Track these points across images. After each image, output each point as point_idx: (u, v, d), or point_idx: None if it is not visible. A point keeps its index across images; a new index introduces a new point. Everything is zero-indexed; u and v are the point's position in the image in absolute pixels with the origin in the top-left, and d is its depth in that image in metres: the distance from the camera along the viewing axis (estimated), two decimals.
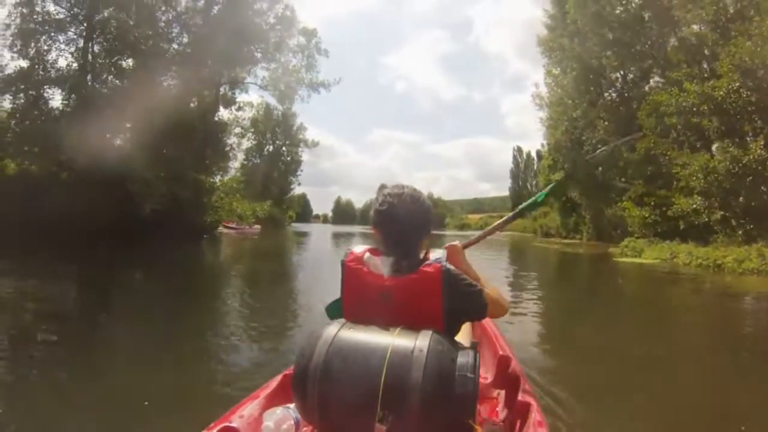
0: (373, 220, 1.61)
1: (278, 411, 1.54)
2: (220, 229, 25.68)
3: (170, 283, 8.68)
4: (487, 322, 2.72)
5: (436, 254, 1.53)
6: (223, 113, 25.92)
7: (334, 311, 1.80)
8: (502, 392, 2.04)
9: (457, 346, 1.41)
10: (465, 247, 1.98)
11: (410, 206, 1.57)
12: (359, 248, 1.60)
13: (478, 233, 2.45)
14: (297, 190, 64.36)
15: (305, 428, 1.52)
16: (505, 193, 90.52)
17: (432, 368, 1.26)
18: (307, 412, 1.37)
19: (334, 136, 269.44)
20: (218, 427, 1.45)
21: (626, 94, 27.13)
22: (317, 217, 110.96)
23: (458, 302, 1.47)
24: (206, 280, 10.07)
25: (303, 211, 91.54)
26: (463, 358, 1.34)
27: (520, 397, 1.75)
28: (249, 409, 1.63)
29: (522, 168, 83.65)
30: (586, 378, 3.73)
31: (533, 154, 78.86)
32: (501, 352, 2.28)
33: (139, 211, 16.71)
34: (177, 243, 16.42)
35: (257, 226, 35.37)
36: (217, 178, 22.89)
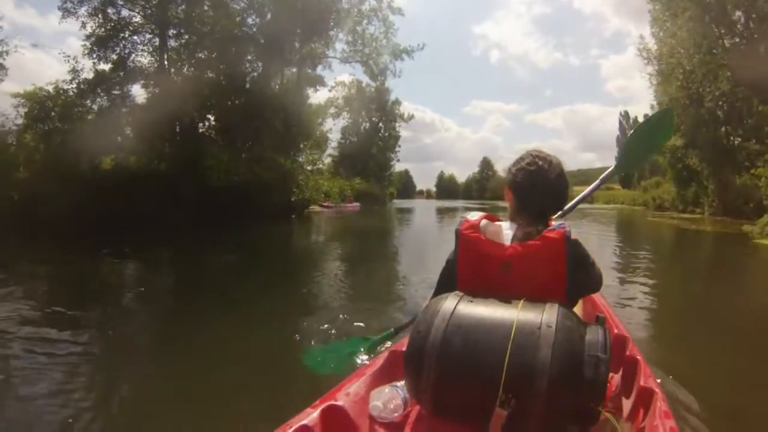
0: (512, 182, 1.54)
1: (386, 390, 1.49)
2: (313, 207, 25.22)
3: (254, 264, 8.87)
4: (598, 297, 2.59)
5: (559, 221, 1.46)
6: (310, 93, 25.68)
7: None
8: (618, 376, 1.86)
9: (584, 322, 1.31)
10: (562, 215, 1.86)
11: (557, 172, 1.51)
12: (474, 215, 1.53)
13: (574, 200, 2.28)
14: (399, 167, 63.94)
15: (412, 407, 1.46)
16: (612, 163, 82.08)
17: (561, 347, 1.17)
18: (419, 392, 1.29)
19: (433, 112, 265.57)
20: (323, 405, 1.40)
21: (754, 36, 22.23)
22: (421, 192, 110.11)
23: (579, 272, 1.40)
24: (291, 260, 9.88)
25: (406, 188, 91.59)
26: (593, 336, 1.25)
27: (642, 382, 1.60)
28: (355, 387, 1.57)
29: (629, 135, 74.70)
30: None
31: (641, 119, 70.61)
32: (616, 331, 2.11)
33: (222, 195, 16.81)
34: (262, 224, 16.16)
35: (356, 204, 34.99)
36: (302, 158, 22.62)
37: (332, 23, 22.95)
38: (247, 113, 19.01)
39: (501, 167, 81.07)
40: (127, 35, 19.39)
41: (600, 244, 11.52)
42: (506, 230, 1.49)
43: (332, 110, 48.94)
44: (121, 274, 7.74)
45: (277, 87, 22.57)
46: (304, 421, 1.34)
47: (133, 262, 8.86)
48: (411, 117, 54.36)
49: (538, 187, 1.50)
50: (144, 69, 19.67)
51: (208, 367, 3.37)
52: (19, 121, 17.90)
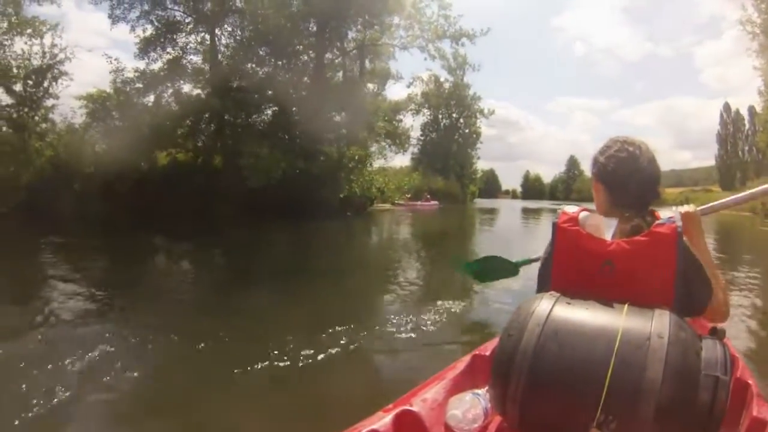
0: (600, 171, 1.39)
1: (467, 397, 1.38)
2: (382, 205, 23.86)
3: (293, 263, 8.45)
4: None
5: (666, 214, 1.28)
6: (377, 86, 25.12)
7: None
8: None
9: (699, 334, 1.11)
10: (703, 214, 1.65)
11: (647, 159, 1.36)
12: (573, 208, 1.39)
13: (720, 201, 2.04)
14: (483, 165, 61.30)
15: (492, 418, 1.35)
16: (710, 162, 70.46)
17: (674, 364, 0.99)
18: (504, 403, 1.14)
19: (518, 109, 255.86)
20: (397, 410, 1.30)
21: None
22: (506, 192, 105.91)
23: (691, 278, 1.23)
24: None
25: (490, 187, 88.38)
26: (711, 352, 1.05)
27: (755, 412, 1.35)
28: (433, 392, 1.45)
29: (731, 130, 63.28)
30: None
31: (743, 111, 60.07)
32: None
33: (260, 193, 16.01)
34: (306, 222, 14.69)
35: (434, 202, 32.96)
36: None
37: (384, 6, 21.03)
38: (301, 106, 18.10)
39: (588, 167, 75.94)
40: (176, 36, 19.72)
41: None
42: (608, 224, 1.33)
43: (412, 106, 47.81)
44: (172, 265, 8.30)
45: (335, 78, 21.48)
46: (375, 426, 1.23)
47: (169, 255, 9.22)
48: (492, 112, 51.06)
49: (634, 174, 1.33)
50: (196, 67, 19.93)
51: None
52: (81, 119, 19.11)
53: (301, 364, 3.22)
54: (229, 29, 20.22)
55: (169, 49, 19.72)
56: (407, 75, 50.16)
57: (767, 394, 2.19)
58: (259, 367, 3.15)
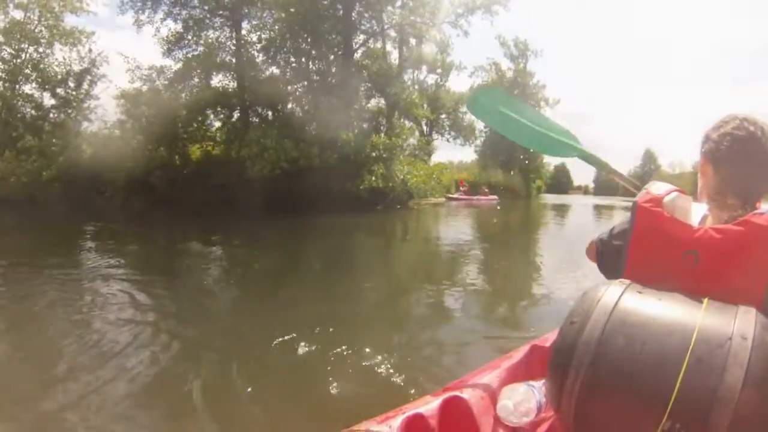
0: (713, 151, 1.18)
1: (521, 389, 1.31)
2: (428, 199, 22.20)
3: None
4: None
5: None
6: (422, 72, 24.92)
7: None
8: None
9: None
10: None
11: None
12: (659, 186, 1.21)
13: None
14: (554, 160, 58.74)
15: (546, 414, 1.27)
16: None
17: (758, 369, 0.87)
18: (560, 397, 1.02)
19: (593, 101, 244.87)
20: (446, 395, 1.27)
21: None
22: (578, 188, 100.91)
23: None
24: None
25: (560, 182, 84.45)
26: None
27: None
28: (485, 380, 1.41)
29: None
30: None
31: None
32: None
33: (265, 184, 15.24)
34: (325, 215, 13.53)
35: (493, 197, 30.78)
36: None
37: None
38: (324, 94, 17.18)
39: (666, 161, 70.13)
40: (201, 32, 19.68)
41: None
42: (698, 210, 1.20)
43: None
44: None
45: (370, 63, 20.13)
46: (421, 410, 1.20)
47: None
48: (557, 101, 47.77)
49: (750, 158, 1.14)
50: (223, 61, 19.73)
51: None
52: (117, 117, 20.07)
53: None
54: (254, 22, 19.89)
55: (193, 46, 19.73)
56: (470, 66, 48.76)
57: None
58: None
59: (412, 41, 24.30)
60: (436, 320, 4.44)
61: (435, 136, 44.53)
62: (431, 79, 44.06)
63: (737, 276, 1.06)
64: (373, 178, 15.95)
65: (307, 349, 3.36)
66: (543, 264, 8.08)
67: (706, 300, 1.01)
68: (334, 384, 2.81)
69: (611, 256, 1.26)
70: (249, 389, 2.77)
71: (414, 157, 25.10)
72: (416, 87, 42.38)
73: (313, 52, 19.55)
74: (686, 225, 1.13)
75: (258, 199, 14.76)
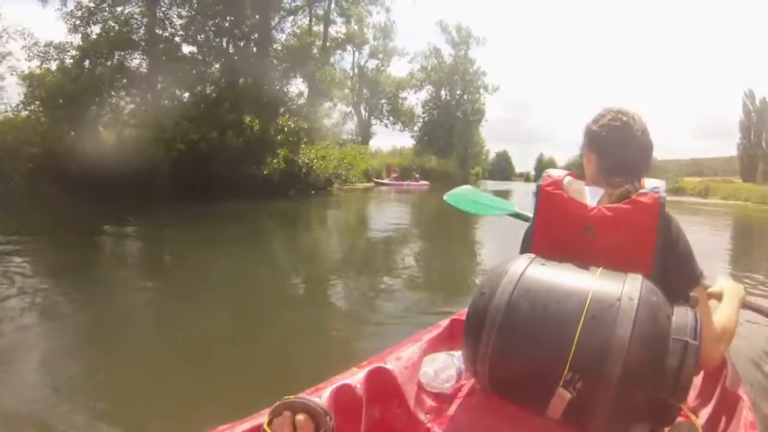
0: (592, 140, 1.40)
1: (440, 357, 1.43)
2: (352, 185, 21.91)
3: None
4: None
5: (653, 183, 1.27)
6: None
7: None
8: (699, 377, 1.60)
9: (671, 300, 1.11)
10: (748, 306, 1.62)
11: (641, 129, 1.37)
12: (558, 172, 1.40)
13: None
14: (496, 147, 59.36)
15: (466, 381, 1.39)
16: (731, 152, 64.44)
17: (643, 325, 0.99)
18: (476, 362, 1.14)
19: (537, 92, 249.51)
20: (371, 367, 1.33)
21: None
22: (520, 175, 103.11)
23: (671, 250, 1.24)
24: None
25: (502, 169, 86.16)
26: (682, 318, 1.05)
27: (728, 385, 1.41)
28: (408, 351, 1.48)
29: (755, 119, 57.51)
30: None
31: None
32: None
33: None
34: (229, 201, 13.16)
35: (424, 182, 30.91)
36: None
37: None
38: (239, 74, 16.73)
39: None
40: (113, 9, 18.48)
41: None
42: (590, 190, 1.33)
43: (414, 82, 46.04)
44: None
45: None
46: (348, 380, 1.26)
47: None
48: (497, 88, 48.22)
49: (627, 143, 1.35)
50: (138, 38, 18.65)
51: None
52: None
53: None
54: None
55: (107, 23, 18.47)
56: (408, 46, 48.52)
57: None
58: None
59: (339, 20, 24.05)
60: (351, 303, 4.67)
61: (374, 121, 44.24)
62: (372, 64, 43.64)
63: (628, 248, 1.20)
64: (275, 162, 15.44)
65: (228, 334, 3.54)
66: (461, 244, 8.41)
67: (600, 269, 1.14)
68: (263, 362, 3.06)
69: (527, 238, 1.40)
70: (169, 372, 2.89)
71: (341, 141, 24.91)
72: (354, 70, 42.00)
73: (236, 31, 18.97)
74: (582, 204, 1.27)
75: (165, 184, 14.23)
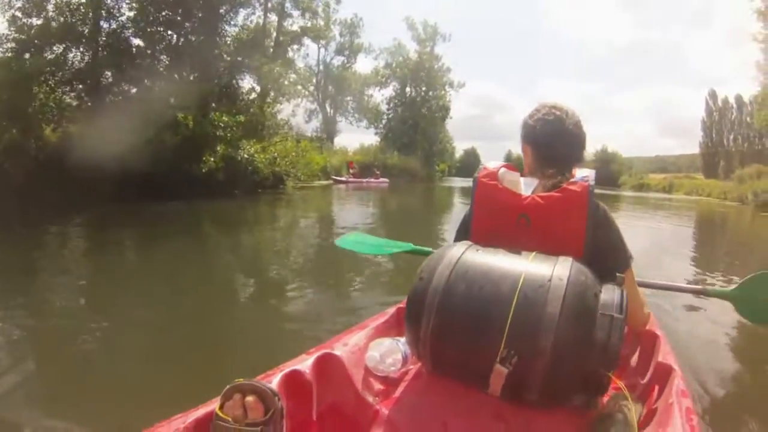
0: (528, 134, 1.50)
1: (386, 342, 1.47)
2: (306, 183, 21.51)
3: None
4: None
5: (583, 172, 1.37)
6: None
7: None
8: (637, 352, 1.73)
9: (601, 280, 1.20)
10: (640, 284, 1.76)
11: (573, 122, 1.46)
12: (494, 163, 1.48)
13: (661, 282, 2.04)
14: (465, 144, 59.65)
15: (413, 366, 1.44)
16: (694, 150, 69.48)
17: (572, 302, 1.07)
18: (418, 344, 1.21)
19: (505, 90, 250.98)
20: (319, 353, 1.37)
21: None
22: None
23: (600, 235, 1.33)
24: None
25: (470, 166, 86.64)
26: (609, 295, 1.15)
27: (660, 358, 1.51)
28: (355, 338, 1.54)
29: (716, 118, 60.89)
30: None
31: (731, 100, 59.09)
32: None
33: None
34: (165, 202, 12.84)
35: (383, 179, 30.71)
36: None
37: None
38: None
39: None
40: None
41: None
42: (525, 181, 1.44)
43: (379, 78, 45.80)
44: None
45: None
46: (297, 366, 1.30)
47: None
48: (462, 85, 48.29)
49: (560, 136, 1.44)
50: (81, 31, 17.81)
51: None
52: None
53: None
54: None
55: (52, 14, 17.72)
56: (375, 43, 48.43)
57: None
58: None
59: (295, 13, 23.68)
60: (296, 296, 4.73)
61: (339, 118, 43.97)
62: (338, 60, 43.37)
63: (560, 233, 1.28)
64: (212, 160, 14.88)
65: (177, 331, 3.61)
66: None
67: (534, 253, 1.20)
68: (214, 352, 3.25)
69: (463, 227, 1.49)
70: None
71: (299, 138, 24.50)
72: (320, 67, 41.58)
73: (186, 24, 18.49)
74: (516, 194, 1.35)
75: (107, 185, 13.55)
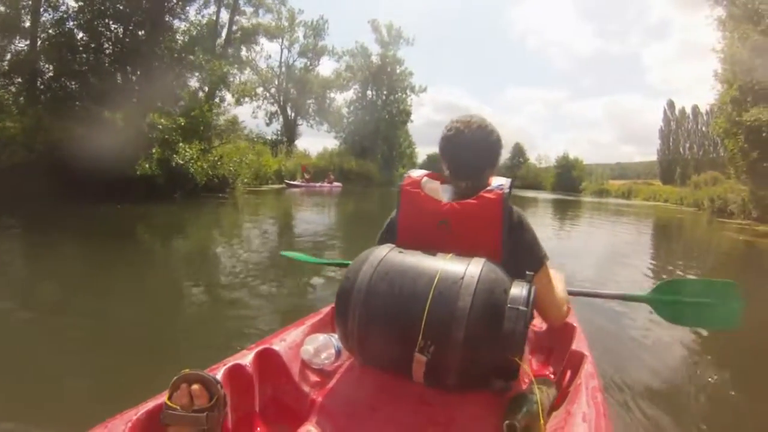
0: (440, 146, 1.61)
1: (320, 337, 1.59)
2: (253, 187, 21.25)
3: None
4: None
5: (499, 181, 1.48)
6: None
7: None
8: (556, 343, 1.98)
9: (512, 278, 1.32)
10: (570, 292, 2.00)
11: (477, 133, 1.56)
12: (417, 172, 1.61)
13: (591, 290, 2.35)
14: (429, 150, 60.00)
15: (346, 360, 1.53)
16: (652, 157, 74.13)
17: (481, 297, 1.21)
18: (347, 338, 1.33)
19: (471, 97, 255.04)
20: (258, 348, 1.49)
21: None
22: None
23: (515, 238, 1.45)
24: None
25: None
26: (517, 290, 1.27)
27: (574, 346, 1.73)
28: (292, 335, 1.66)
29: (674, 127, 65.57)
30: None
31: (688, 111, 64.13)
32: None
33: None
34: (98, 205, 12.31)
35: (337, 184, 30.58)
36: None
37: None
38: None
39: (534, 156, 74.43)
40: None
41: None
42: (444, 188, 1.53)
43: (341, 81, 45.35)
44: None
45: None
46: (239, 361, 1.41)
47: None
48: (423, 89, 48.25)
49: (462, 148, 1.54)
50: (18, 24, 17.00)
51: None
52: None
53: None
54: None
55: None
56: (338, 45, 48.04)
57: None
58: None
59: (249, 10, 23.26)
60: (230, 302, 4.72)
61: (300, 121, 43.45)
62: (301, 62, 42.84)
63: (477, 237, 1.39)
64: (147, 165, 14.18)
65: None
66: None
67: (451, 254, 1.32)
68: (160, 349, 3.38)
69: (387, 232, 1.59)
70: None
71: (255, 141, 23.97)
72: (282, 69, 40.95)
73: (134, 18, 17.77)
74: (437, 200, 1.46)
75: (36, 184, 12.77)
